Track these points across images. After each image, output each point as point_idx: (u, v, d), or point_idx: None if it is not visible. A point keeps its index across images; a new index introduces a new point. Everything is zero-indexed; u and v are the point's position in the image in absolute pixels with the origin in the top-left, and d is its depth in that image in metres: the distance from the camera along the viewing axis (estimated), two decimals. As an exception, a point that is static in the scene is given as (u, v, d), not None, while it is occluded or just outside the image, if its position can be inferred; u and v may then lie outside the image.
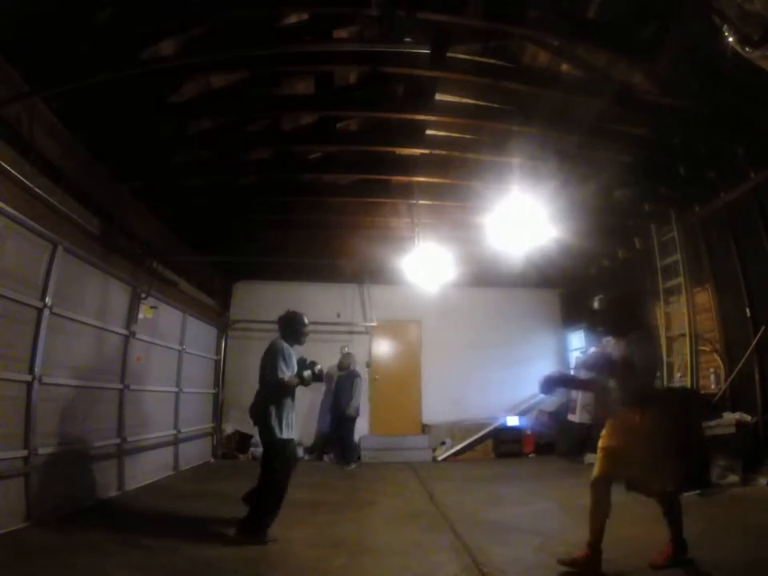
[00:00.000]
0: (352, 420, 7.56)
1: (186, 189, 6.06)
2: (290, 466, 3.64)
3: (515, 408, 8.67)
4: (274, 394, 3.57)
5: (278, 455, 3.52)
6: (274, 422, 3.49)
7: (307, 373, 3.69)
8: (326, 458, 7.93)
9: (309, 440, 8.26)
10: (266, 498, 3.46)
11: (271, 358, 3.59)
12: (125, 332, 5.33)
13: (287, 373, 3.56)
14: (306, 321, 3.89)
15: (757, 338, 4.87)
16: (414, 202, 6.29)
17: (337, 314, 8.87)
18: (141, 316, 5.60)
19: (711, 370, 5.60)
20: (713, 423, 4.76)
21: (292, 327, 3.82)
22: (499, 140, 5.24)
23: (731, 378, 5.18)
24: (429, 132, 5.42)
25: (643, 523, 3.47)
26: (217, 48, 3.80)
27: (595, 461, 2.85)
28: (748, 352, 4.95)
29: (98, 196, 4.73)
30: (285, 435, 3.52)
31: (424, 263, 6.20)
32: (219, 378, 8.32)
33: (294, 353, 3.74)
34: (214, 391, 8.21)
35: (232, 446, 7.98)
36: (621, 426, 2.79)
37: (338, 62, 4.25)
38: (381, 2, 3.18)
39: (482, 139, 5.49)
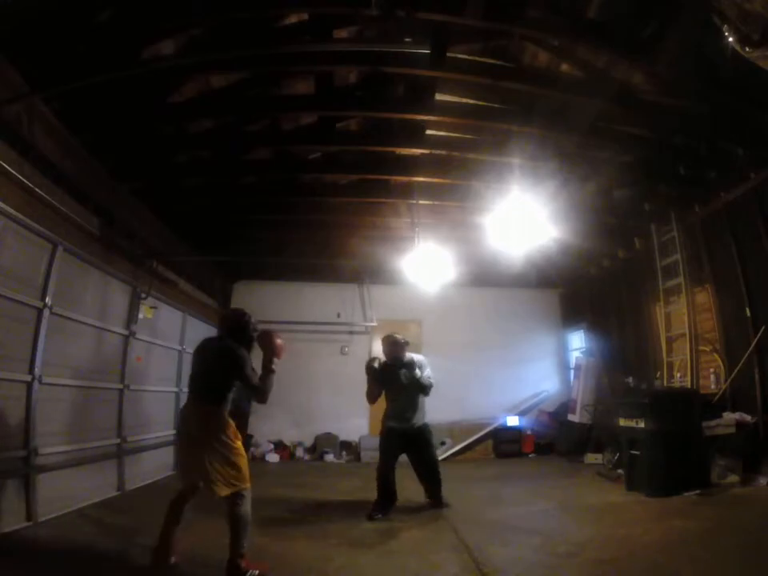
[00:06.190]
0: None
1: (186, 189, 6.06)
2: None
3: (515, 408, 8.66)
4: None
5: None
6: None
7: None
8: (326, 457, 7.94)
9: (309, 440, 8.27)
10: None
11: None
12: (125, 332, 5.32)
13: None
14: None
15: (757, 338, 4.86)
16: (414, 201, 6.27)
17: (337, 313, 8.87)
18: (141, 316, 5.59)
19: (711, 370, 5.58)
20: (713, 423, 4.76)
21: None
22: (499, 140, 5.23)
23: (731, 377, 5.18)
24: (429, 132, 5.40)
25: (643, 523, 3.48)
26: (217, 48, 3.80)
27: None
28: (748, 352, 4.94)
29: (98, 196, 4.73)
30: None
31: (424, 263, 6.19)
32: (219, 378, 8.30)
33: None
34: (214, 391, 8.19)
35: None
36: None
37: (338, 62, 4.24)
38: (381, 2, 3.18)
39: (481, 139, 5.49)
